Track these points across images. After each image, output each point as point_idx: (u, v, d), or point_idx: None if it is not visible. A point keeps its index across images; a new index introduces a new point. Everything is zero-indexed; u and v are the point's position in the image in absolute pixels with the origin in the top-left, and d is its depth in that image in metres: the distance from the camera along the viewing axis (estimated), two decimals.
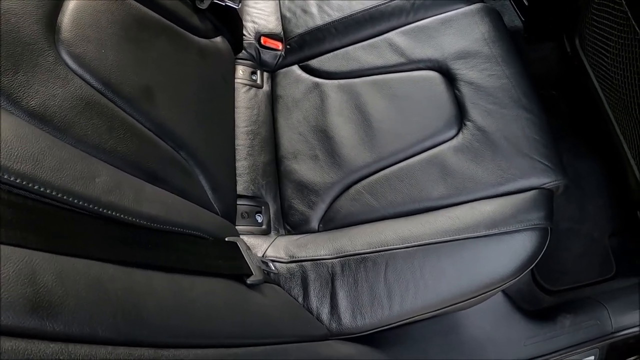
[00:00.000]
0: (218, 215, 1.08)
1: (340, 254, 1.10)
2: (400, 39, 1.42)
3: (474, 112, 1.24)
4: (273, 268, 1.08)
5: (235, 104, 1.39)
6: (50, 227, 0.56)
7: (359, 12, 1.51)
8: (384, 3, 1.49)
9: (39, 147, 0.61)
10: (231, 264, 0.88)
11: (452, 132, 1.24)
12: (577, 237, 1.64)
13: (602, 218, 1.66)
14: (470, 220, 1.10)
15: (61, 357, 0.47)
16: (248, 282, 0.88)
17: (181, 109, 1.05)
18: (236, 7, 1.35)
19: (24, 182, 0.56)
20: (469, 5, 1.44)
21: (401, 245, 1.08)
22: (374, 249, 1.09)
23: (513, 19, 1.90)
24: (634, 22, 1.12)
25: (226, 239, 0.95)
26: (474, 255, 1.07)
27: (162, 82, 1.01)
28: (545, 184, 1.15)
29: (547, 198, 1.14)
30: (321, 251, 1.12)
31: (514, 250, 1.08)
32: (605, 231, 1.64)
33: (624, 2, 1.14)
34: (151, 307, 0.62)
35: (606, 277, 1.59)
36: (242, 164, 1.29)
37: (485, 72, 1.28)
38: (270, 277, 1.07)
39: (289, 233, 1.26)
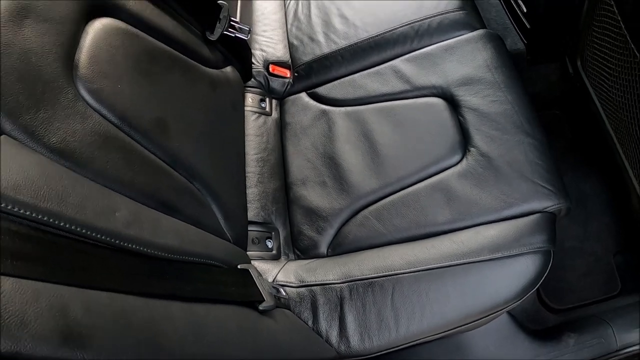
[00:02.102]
0: (230, 242, 1.11)
1: (349, 279, 1.14)
2: (405, 66, 1.46)
3: (478, 138, 1.27)
4: (284, 293, 1.11)
5: (245, 132, 1.43)
6: (76, 261, 0.60)
7: (365, 39, 1.55)
8: (389, 31, 1.54)
9: (62, 185, 0.65)
10: (244, 291, 0.92)
11: (457, 158, 1.28)
12: (582, 255, 1.67)
13: (607, 236, 1.69)
14: (474, 244, 1.13)
15: None
16: (260, 308, 0.93)
17: (194, 139, 1.09)
18: (245, 38, 1.39)
19: (50, 220, 0.59)
20: (472, 31, 1.48)
21: (407, 270, 1.11)
22: (381, 274, 1.12)
23: (516, 42, 1.94)
24: (632, 46, 1.15)
25: (238, 266, 0.99)
26: (478, 278, 1.11)
27: (175, 114, 1.05)
28: (547, 207, 1.18)
29: (550, 221, 1.18)
30: (330, 276, 1.16)
31: (517, 274, 1.11)
32: (609, 249, 1.67)
33: (623, 26, 1.18)
34: (170, 335, 0.66)
35: (611, 294, 1.61)
36: (252, 191, 1.33)
37: (488, 98, 1.32)
38: (281, 302, 1.10)
39: (298, 258, 1.29)
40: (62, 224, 0.61)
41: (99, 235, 0.65)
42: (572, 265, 1.66)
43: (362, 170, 1.31)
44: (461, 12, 1.53)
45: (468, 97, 1.34)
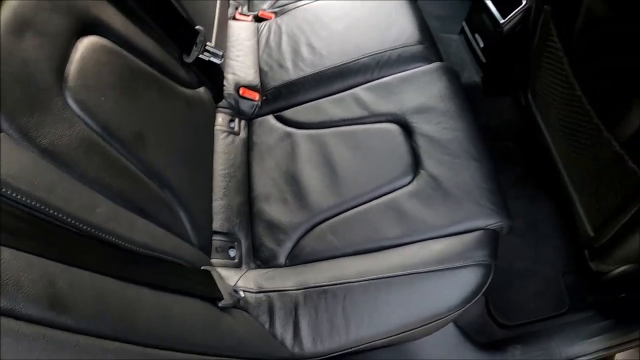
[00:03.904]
0: (195, 248, 1.22)
1: (304, 286, 1.25)
2: (365, 94, 1.60)
3: (428, 162, 1.40)
4: (242, 295, 1.22)
5: (215, 149, 1.54)
6: (62, 243, 0.72)
7: (329, 68, 1.69)
8: (352, 61, 1.68)
9: (51, 179, 0.77)
10: (205, 288, 1.04)
11: (408, 179, 1.40)
12: (533, 276, 1.80)
13: (556, 258, 1.83)
14: (420, 257, 1.25)
15: (69, 342, 0.62)
16: (219, 304, 1.04)
17: (168, 152, 1.20)
18: (218, 62, 1.51)
19: (41, 207, 0.71)
20: (429, 64, 1.63)
21: (358, 279, 1.23)
22: (334, 282, 1.23)
23: (473, 75, 2.10)
24: (573, 79, 1.28)
25: (202, 268, 1.10)
26: (423, 288, 1.23)
27: (152, 128, 1.15)
28: (489, 225, 1.30)
29: (492, 238, 1.30)
30: (286, 283, 1.27)
31: (459, 284, 1.23)
32: (559, 270, 1.80)
33: (566, 61, 1.31)
34: (140, 316, 0.77)
35: (559, 312, 1.73)
36: (218, 204, 1.44)
37: (439, 126, 1.46)
38: (240, 304, 1.21)
39: (258, 267, 1.40)
40: (50, 211, 0.72)
41: (81, 225, 0.77)
42: (523, 285, 1.79)
43: (320, 188, 1.44)
44: (420, 45, 1.67)
45: (421, 124, 1.48)
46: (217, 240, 1.39)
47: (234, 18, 2.03)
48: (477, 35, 2.03)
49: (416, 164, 1.43)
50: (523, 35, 1.66)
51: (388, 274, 1.23)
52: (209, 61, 1.49)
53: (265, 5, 2.10)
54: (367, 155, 1.47)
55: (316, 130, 1.57)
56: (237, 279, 1.30)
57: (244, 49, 1.88)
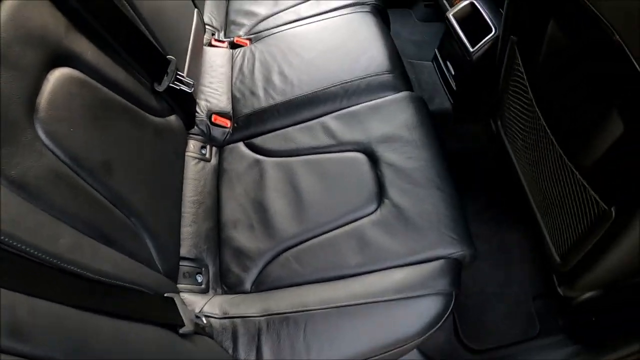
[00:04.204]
0: (160, 273, 1.25)
1: (267, 313, 1.28)
2: (333, 123, 1.65)
3: (392, 191, 1.45)
4: (205, 322, 1.25)
5: (185, 175, 1.58)
6: (26, 275, 0.75)
7: (299, 96, 1.74)
8: (321, 90, 1.73)
9: (17, 211, 0.80)
10: (167, 315, 1.07)
11: (372, 208, 1.44)
12: (503, 300, 1.83)
13: (527, 282, 1.85)
14: (381, 286, 1.29)
15: None
16: (180, 331, 1.07)
17: (135, 181, 1.22)
18: (189, 91, 1.55)
19: (5, 239, 0.74)
20: (397, 93, 1.68)
21: (320, 307, 1.26)
22: (296, 310, 1.27)
23: (444, 101, 2.15)
24: (537, 109, 1.30)
25: (165, 295, 1.14)
26: (383, 316, 1.25)
27: (120, 158, 1.17)
28: (451, 254, 1.33)
29: (453, 267, 1.33)
30: (251, 310, 1.30)
31: (419, 313, 1.26)
32: (529, 294, 1.83)
33: (530, 90, 1.34)
34: (96, 344, 0.81)
35: (530, 337, 1.76)
36: (187, 230, 1.47)
37: (404, 155, 1.50)
38: (204, 330, 1.24)
39: (225, 292, 1.43)
40: (15, 244, 0.75)
41: (44, 256, 0.80)
42: (493, 309, 1.81)
43: (286, 216, 1.47)
44: (389, 74, 1.73)
45: (387, 153, 1.52)
46: (184, 266, 1.42)
47: (209, 44, 2.08)
48: (448, 63, 2.08)
49: (381, 193, 1.47)
50: (492, 63, 1.68)
51: (349, 302, 1.26)
52: (180, 90, 1.53)
53: (242, 32, 2.15)
54: (334, 184, 1.51)
55: (284, 159, 1.62)
56: (203, 304, 1.33)
57: (218, 76, 1.92)
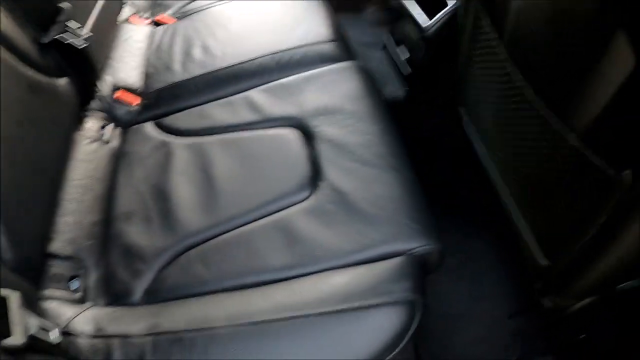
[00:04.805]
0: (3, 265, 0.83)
1: (154, 331, 0.83)
2: (259, 96, 1.22)
3: (331, 171, 1.02)
4: (51, 338, 0.83)
5: (73, 156, 1.15)
6: None
7: (221, 69, 1.32)
8: (247, 61, 1.31)
9: None
10: None
11: (304, 194, 1.01)
12: (473, 319, 1.38)
13: (500, 297, 1.42)
14: (317, 294, 0.85)
15: None
16: (2, 343, 0.65)
17: None
18: (79, 45, 1.15)
19: None
20: (337, 63, 1.29)
21: (227, 324, 0.82)
22: (195, 327, 0.83)
23: (396, 90, 1.77)
24: (511, 68, 0.96)
25: None
26: (321, 335, 0.82)
27: None
28: (412, 249, 0.91)
29: (416, 266, 0.91)
30: (134, 327, 0.85)
31: (372, 330, 0.83)
32: (503, 311, 1.39)
33: (502, 50, 1.00)
34: None
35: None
36: (64, 220, 1.02)
37: (346, 129, 1.08)
38: (57, 349, 0.82)
39: (107, 304, 1.00)
40: None
41: None
42: (461, 329, 1.36)
43: (192, 205, 1.04)
44: (328, 43, 1.33)
45: (324, 128, 1.10)
46: (55, 266, 0.97)
47: (127, 21, 1.67)
48: (401, 46, 1.71)
49: (316, 175, 1.04)
50: (449, 39, 1.35)
51: (271, 317, 0.83)
52: (69, 45, 1.15)
53: (169, 11, 1.74)
54: (255, 167, 1.08)
55: (197, 138, 1.18)
56: (70, 317, 0.90)
57: (132, 50, 1.50)
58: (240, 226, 0.99)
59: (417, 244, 0.93)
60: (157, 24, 1.68)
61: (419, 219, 0.96)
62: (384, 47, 1.82)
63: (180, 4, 1.73)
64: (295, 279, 0.91)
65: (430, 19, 1.45)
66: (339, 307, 0.83)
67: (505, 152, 1.11)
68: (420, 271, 0.92)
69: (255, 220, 1.00)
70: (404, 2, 1.51)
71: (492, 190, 1.20)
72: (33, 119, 0.98)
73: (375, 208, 0.96)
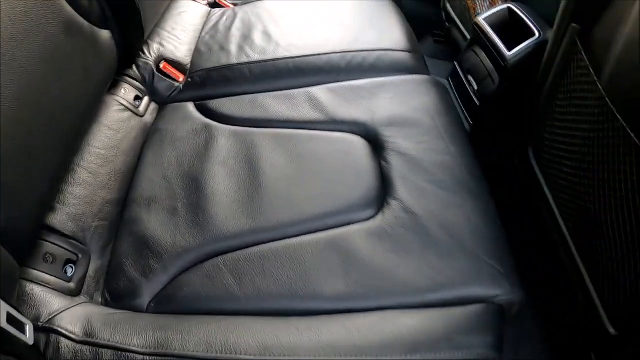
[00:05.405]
0: None
1: (160, 351, 0.62)
2: (323, 95, 1.01)
3: (403, 190, 0.80)
4: (26, 336, 0.59)
5: (99, 120, 0.94)
6: None
7: (282, 59, 1.12)
8: (314, 55, 1.11)
9: None
10: None
11: (370, 211, 0.80)
12: None
13: None
14: (378, 336, 0.64)
15: None
16: None
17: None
18: None
19: None
20: (413, 75, 1.07)
21: (259, 358, 0.61)
22: (214, 355, 0.61)
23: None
24: (611, 106, 0.76)
25: None
26: None
27: None
28: (495, 296, 0.70)
29: (497, 316, 0.70)
30: (135, 339, 0.64)
31: None
32: None
33: (599, 87, 0.78)
34: None
35: None
36: (73, 190, 0.81)
37: (423, 145, 0.87)
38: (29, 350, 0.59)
39: (106, 303, 0.77)
40: None
41: None
42: None
43: (231, 203, 0.82)
44: (405, 53, 1.12)
45: (398, 140, 0.88)
46: (50, 243, 0.76)
47: None
48: (470, 77, 1.49)
49: (385, 191, 0.82)
50: (530, 72, 1.14)
51: (313, 358, 0.61)
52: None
53: None
54: (313, 170, 0.86)
55: (245, 128, 0.97)
56: (56, 311, 0.69)
57: (185, 25, 1.30)
58: (288, 237, 0.77)
59: (500, 291, 0.72)
60: (214, 5, 1.46)
61: (503, 260, 0.75)
62: (451, 75, 1.59)
63: None
64: (350, 314, 0.69)
65: (508, 49, 1.22)
66: (403, 358, 0.62)
67: (579, 200, 0.89)
68: (501, 323, 0.71)
69: (306, 233, 0.78)
70: (485, 26, 1.27)
71: (550, 244, 0.97)
72: (60, 61, 0.77)
73: (453, 240, 0.75)
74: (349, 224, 0.78)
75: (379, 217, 0.78)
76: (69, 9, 0.79)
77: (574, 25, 0.91)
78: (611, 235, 0.82)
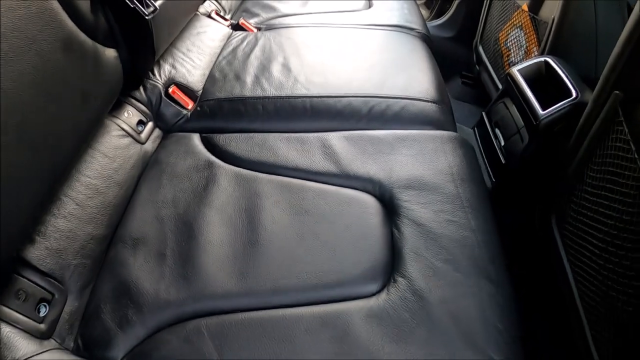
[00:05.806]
0: None
1: None
2: (339, 143, 0.94)
3: (414, 267, 0.72)
4: None
5: (94, 145, 0.87)
6: None
7: (299, 96, 1.04)
8: (335, 96, 1.03)
9: None
10: None
11: (374, 286, 0.72)
12: None
13: None
14: None
15: None
16: None
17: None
18: (145, 15, 0.86)
19: None
20: (439, 130, 0.99)
21: None
22: None
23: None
24: None
25: None
26: None
27: None
28: None
29: None
30: None
31: None
32: None
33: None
34: None
35: None
36: (56, 222, 0.74)
37: (442, 215, 0.79)
38: None
39: (77, 350, 0.69)
40: None
41: None
42: None
43: (223, 257, 0.74)
44: (433, 104, 1.04)
45: (414, 206, 0.81)
46: (25, 279, 0.68)
47: (208, 16, 1.40)
48: (497, 130, 1.40)
49: (393, 265, 0.74)
50: (562, 135, 1.09)
51: None
52: (138, 18, 0.87)
53: (252, 20, 1.46)
54: (316, 230, 0.78)
55: (250, 172, 0.90)
56: (23, 355, 0.62)
57: (201, 47, 1.23)
58: (281, 307, 0.69)
59: None
60: (237, 27, 1.39)
61: (516, 356, 0.67)
62: (477, 126, 1.51)
63: (268, 15, 1.45)
64: None
65: (542, 106, 1.13)
66: None
67: (605, 286, 0.81)
68: None
69: (302, 304, 0.70)
70: (519, 79, 1.19)
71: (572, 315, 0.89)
72: (54, 82, 0.70)
73: (461, 331, 0.67)
74: (348, 299, 0.70)
75: (383, 295, 0.70)
76: (70, 24, 0.72)
77: (616, 92, 0.85)
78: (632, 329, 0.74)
